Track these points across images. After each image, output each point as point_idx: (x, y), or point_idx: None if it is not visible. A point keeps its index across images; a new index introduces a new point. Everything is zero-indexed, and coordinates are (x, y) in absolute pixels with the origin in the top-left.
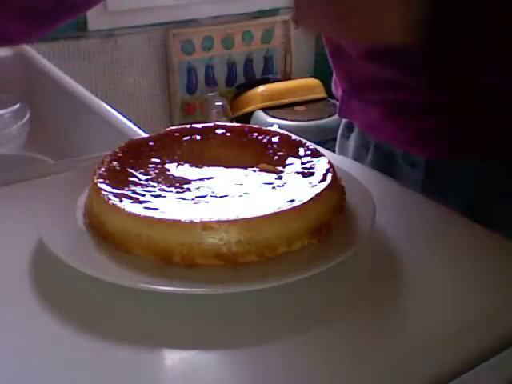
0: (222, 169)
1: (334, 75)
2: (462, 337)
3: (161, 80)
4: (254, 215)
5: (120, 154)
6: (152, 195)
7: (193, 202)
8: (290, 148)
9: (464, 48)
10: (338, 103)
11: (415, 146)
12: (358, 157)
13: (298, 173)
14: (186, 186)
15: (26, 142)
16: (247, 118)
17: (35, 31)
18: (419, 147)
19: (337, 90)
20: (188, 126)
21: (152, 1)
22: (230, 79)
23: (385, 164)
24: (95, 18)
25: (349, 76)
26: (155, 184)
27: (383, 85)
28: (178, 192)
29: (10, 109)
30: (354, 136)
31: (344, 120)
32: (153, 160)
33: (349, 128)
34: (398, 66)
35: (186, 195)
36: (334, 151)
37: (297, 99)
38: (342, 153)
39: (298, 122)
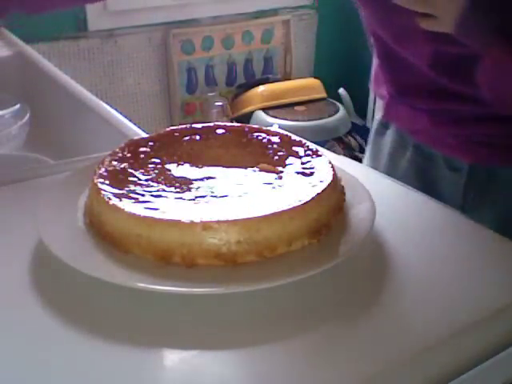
0: (222, 169)
1: (376, 73)
2: (462, 337)
3: (161, 80)
4: (254, 215)
5: (120, 154)
6: (152, 195)
7: (193, 202)
8: (290, 148)
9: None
10: (382, 103)
11: (461, 151)
12: (394, 155)
13: (298, 173)
14: (185, 186)
15: (26, 142)
16: (247, 117)
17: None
18: (465, 152)
19: (378, 88)
20: (188, 126)
21: (152, 1)
22: (230, 79)
23: (424, 164)
24: (95, 18)
25: (401, 82)
26: (155, 184)
27: (442, 94)
28: (177, 192)
29: (9, 109)
30: (390, 133)
31: (378, 117)
32: (153, 160)
33: (384, 125)
34: (465, 80)
35: (185, 195)
36: (334, 151)
37: (297, 99)
38: (376, 150)
39: (298, 122)
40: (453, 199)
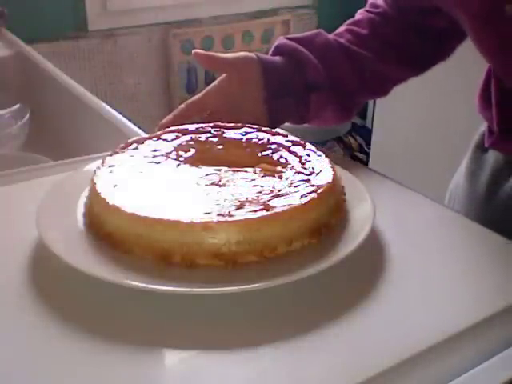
0: (222, 169)
1: (486, 99)
2: (462, 337)
3: (161, 80)
4: (254, 215)
5: (120, 154)
6: (152, 195)
7: (193, 201)
8: (290, 148)
9: None
10: (488, 127)
11: None
12: (496, 174)
13: (298, 173)
14: (186, 186)
15: (26, 142)
16: None
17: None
18: None
19: (485, 115)
20: (188, 126)
21: (152, 1)
22: None
23: None
24: (95, 18)
25: None
26: (155, 184)
27: None
28: (178, 192)
29: (9, 109)
30: (493, 152)
31: (482, 129)
32: (153, 160)
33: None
34: None
35: (186, 195)
36: (334, 151)
37: None
38: (475, 166)
39: None
40: None
